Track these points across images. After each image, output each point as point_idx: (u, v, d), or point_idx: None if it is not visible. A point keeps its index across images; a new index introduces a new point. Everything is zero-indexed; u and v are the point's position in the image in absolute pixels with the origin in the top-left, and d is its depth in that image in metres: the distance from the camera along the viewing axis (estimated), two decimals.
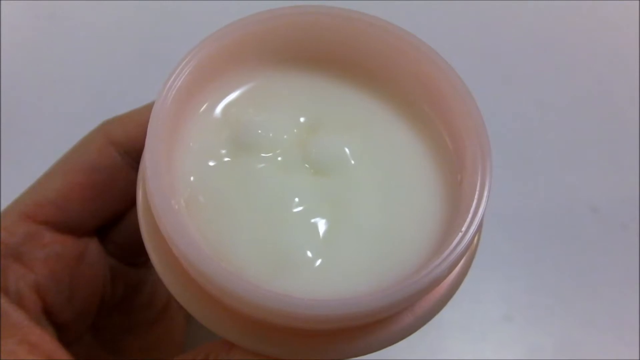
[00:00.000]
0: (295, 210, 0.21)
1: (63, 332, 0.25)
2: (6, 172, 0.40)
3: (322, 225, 0.21)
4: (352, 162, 0.22)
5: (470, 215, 0.19)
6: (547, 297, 0.40)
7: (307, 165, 0.22)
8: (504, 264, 0.40)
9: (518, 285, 0.40)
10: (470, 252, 0.22)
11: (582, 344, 0.38)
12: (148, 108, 0.21)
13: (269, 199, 0.21)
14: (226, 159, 0.22)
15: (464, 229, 0.19)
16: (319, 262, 0.20)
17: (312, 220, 0.21)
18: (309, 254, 0.20)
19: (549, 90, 0.47)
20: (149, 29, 0.48)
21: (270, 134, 0.22)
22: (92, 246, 0.27)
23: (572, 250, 0.41)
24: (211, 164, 0.21)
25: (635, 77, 0.47)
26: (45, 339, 0.22)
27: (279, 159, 0.22)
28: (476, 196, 0.19)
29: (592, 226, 0.42)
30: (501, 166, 0.43)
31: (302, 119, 0.23)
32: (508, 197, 0.42)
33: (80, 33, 0.47)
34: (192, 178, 0.21)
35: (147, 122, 0.20)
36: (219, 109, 0.23)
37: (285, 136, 0.22)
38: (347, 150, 0.22)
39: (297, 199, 0.21)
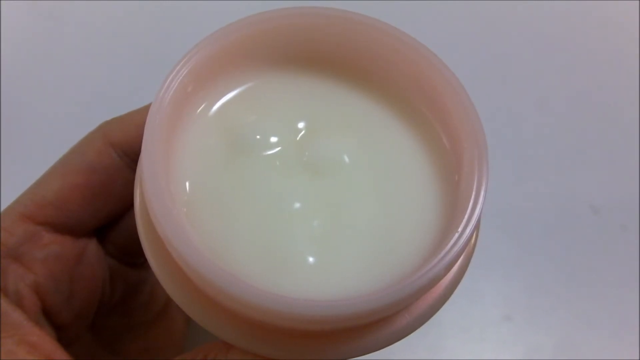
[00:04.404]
0: (293, 211, 0.21)
1: (62, 332, 0.25)
2: (6, 172, 0.41)
3: (319, 226, 0.21)
4: (349, 163, 0.22)
5: (466, 216, 0.19)
6: (547, 297, 0.40)
7: (304, 166, 0.22)
8: (504, 264, 0.40)
9: (518, 285, 0.40)
10: (467, 252, 0.22)
11: (582, 344, 0.38)
12: (147, 109, 0.21)
13: (266, 200, 0.21)
14: (223, 160, 0.22)
15: (460, 229, 0.19)
16: (316, 263, 0.20)
17: (310, 222, 0.21)
18: (306, 255, 0.20)
19: (549, 90, 0.47)
20: (149, 29, 0.48)
21: (267, 136, 0.22)
22: (91, 247, 0.27)
23: (572, 251, 0.41)
24: (208, 165, 0.22)
25: (635, 77, 0.47)
26: (45, 339, 0.22)
27: (276, 160, 0.22)
28: (473, 196, 0.19)
29: (592, 226, 0.42)
30: (501, 166, 0.43)
31: (299, 121, 0.23)
32: (508, 197, 0.42)
33: (80, 33, 0.47)
34: (189, 179, 0.21)
35: None
36: (216, 110, 0.23)
37: (282, 138, 0.22)
38: (344, 151, 0.22)
39: (294, 201, 0.21)
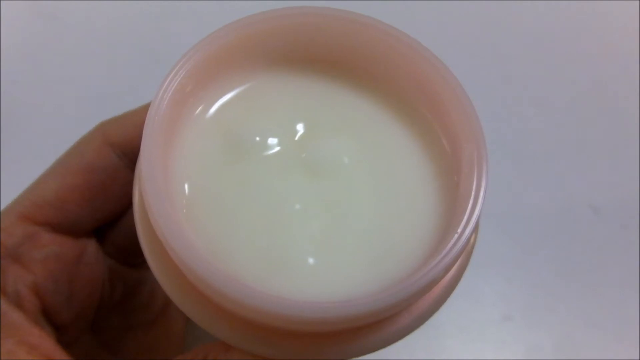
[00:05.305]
0: (292, 212, 0.21)
1: (62, 332, 0.26)
2: (6, 172, 0.41)
3: (318, 227, 0.21)
4: (349, 163, 0.22)
5: (465, 217, 0.19)
6: (547, 297, 0.40)
7: (303, 167, 0.22)
8: (504, 264, 0.40)
9: (518, 285, 0.40)
10: (466, 253, 0.22)
11: (582, 344, 0.38)
12: (146, 108, 0.21)
13: (265, 201, 0.21)
14: (222, 161, 0.22)
15: (459, 230, 0.19)
16: (315, 264, 0.20)
17: (309, 223, 0.21)
18: (306, 256, 0.20)
19: (549, 90, 0.47)
20: (149, 29, 0.48)
21: (266, 136, 0.22)
22: (91, 247, 0.27)
23: (572, 250, 0.41)
24: (207, 165, 0.21)
25: (635, 77, 0.47)
26: (44, 340, 0.22)
27: (275, 161, 0.22)
28: (472, 198, 0.19)
29: (592, 226, 0.42)
30: (501, 166, 0.43)
31: (297, 121, 0.23)
32: (508, 197, 0.42)
33: (80, 33, 0.47)
34: (188, 180, 0.21)
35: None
36: (214, 111, 0.23)
37: (280, 138, 0.22)
38: (343, 152, 0.22)
39: (293, 202, 0.21)
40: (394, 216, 0.21)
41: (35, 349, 0.22)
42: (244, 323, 0.20)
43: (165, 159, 0.20)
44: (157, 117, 0.20)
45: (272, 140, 0.22)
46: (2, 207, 0.25)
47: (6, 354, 0.21)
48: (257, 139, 0.22)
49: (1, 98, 0.44)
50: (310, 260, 0.20)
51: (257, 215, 0.21)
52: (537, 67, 0.48)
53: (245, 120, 0.22)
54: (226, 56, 0.22)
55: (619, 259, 0.41)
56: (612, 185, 0.43)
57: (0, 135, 0.42)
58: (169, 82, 0.20)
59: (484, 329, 0.38)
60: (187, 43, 0.21)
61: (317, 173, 0.22)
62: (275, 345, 0.20)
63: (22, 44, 0.47)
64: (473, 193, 0.19)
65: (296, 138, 0.22)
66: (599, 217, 0.42)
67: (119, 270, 0.29)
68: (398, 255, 0.20)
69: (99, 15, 0.48)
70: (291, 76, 0.24)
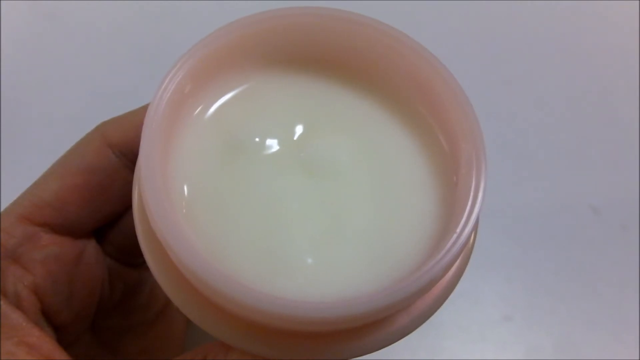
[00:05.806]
0: (291, 212, 0.21)
1: (62, 333, 0.26)
2: (6, 172, 0.41)
3: (317, 227, 0.21)
4: (348, 164, 0.22)
5: (464, 217, 0.19)
6: (547, 297, 0.40)
7: (302, 167, 0.22)
8: (504, 264, 0.40)
9: (518, 285, 0.40)
10: (465, 252, 0.22)
11: (582, 344, 0.38)
12: (145, 109, 0.21)
13: (264, 201, 0.21)
14: (221, 162, 0.22)
15: (458, 230, 0.19)
16: (314, 264, 0.20)
17: (308, 223, 0.21)
18: (305, 256, 0.20)
19: (549, 90, 0.47)
20: (149, 29, 0.48)
21: (265, 137, 0.22)
22: (90, 247, 0.27)
23: (572, 250, 0.41)
24: (206, 166, 0.21)
25: (635, 77, 0.47)
26: (44, 340, 0.22)
27: (274, 161, 0.22)
28: (471, 197, 0.19)
29: (592, 226, 0.42)
30: (501, 166, 0.43)
31: (296, 121, 0.23)
32: (508, 197, 0.42)
33: (80, 33, 0.47)
34: (187, 181, 0.21)
35: None
36: (213, 111, 0.23)
37: (279, 138, 0.22)
38: (342, 152, 0.22)
39: (292, 202, 0.21)
40: (393, 216, 0.21)
41: (35, 349, 0.22)
42: (243, 323, 0.20)
43: (164, 159, 0.20)
44: (156, 117, 0.20)
45: (271, 141, 0.22)
46: (2, 208, 0.25)
47: (6, 355, 0.21)
48: (256, 139, 0.22)
49: (1, 98, 0.44)
50: (310, 260, 0.20)
51: (256, 216, 0.21)
52: (537, 67, 0.48)
53: (245, 121, 0.22)
54: (225, 56, 0.22)
55: (619, 259, 0.41)
56: (612, 185, 0.43)
57: (0, 135, 0.42)
58: (167, 83, 0.20)
59: (484, 329, 0.38)
60: (187, 43, 0.21)
61: (316, 173, 0.22)
62: (275, 346, 0.20)
63: (22, 44, 0.47)
64: (472, 193, 0.19)
65: (295, 138, 0.22)
66: (599, 217, 0.42)
67: (119, 270, 0.29)
68: (397, 254, 0.20)
69: (99, 15, 0.48)
70: (290, 76, 0.24)
